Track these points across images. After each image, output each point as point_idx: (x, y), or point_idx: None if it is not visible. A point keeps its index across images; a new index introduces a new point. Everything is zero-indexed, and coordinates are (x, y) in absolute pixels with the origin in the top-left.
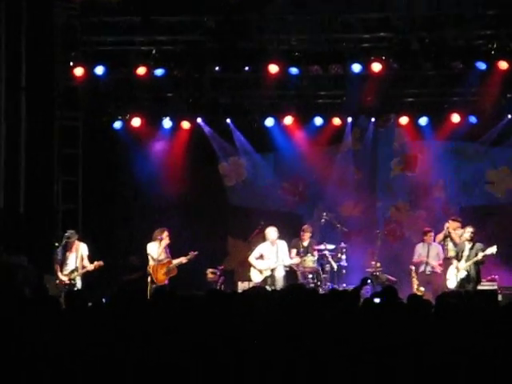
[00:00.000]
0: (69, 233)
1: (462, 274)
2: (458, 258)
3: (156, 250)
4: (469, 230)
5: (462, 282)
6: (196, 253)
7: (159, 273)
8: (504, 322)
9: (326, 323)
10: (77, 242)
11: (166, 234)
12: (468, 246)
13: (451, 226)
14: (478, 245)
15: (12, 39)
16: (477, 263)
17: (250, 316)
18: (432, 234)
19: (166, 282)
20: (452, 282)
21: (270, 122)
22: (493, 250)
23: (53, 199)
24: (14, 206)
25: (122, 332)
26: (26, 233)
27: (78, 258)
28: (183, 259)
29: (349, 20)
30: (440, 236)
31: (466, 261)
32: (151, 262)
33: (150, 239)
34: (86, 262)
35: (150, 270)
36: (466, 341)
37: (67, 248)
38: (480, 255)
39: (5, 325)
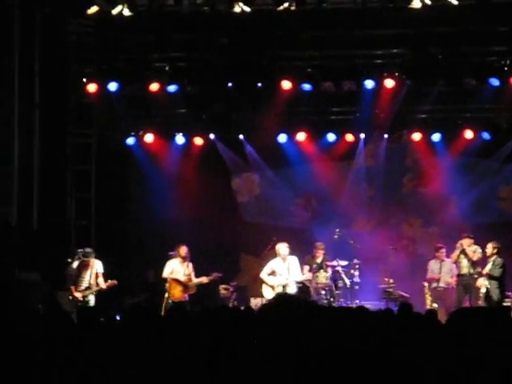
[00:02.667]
0: (86, 251)
1: (483, 289)
2: (484, 274)
3: (175, 266)
4: (492, 246)
5: (487, 298)
6: (220, 275)
7: (176, 289)
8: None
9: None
10: (92, 260)
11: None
12: (492, 259)
13: (465, 242)
14: (498, 259)
15: (26, 55)
16: (496, 278)
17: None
18: (444, 250)
19: (186, 298)
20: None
21: (282, 138)
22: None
23: (66, 216)
24: (27, 223)
25: (135, 348)
26: (39, 249)
27: (92, 276)
28: (204, 279)
29: (362, 36)
30: (455, 255)
31: (489, 275)
32: (168, 279)
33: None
34: (101, 280)
35: (167, 286)
36: (476, 358)
37: (83, 265)
38: (496, 271)
39: (18, 341)
